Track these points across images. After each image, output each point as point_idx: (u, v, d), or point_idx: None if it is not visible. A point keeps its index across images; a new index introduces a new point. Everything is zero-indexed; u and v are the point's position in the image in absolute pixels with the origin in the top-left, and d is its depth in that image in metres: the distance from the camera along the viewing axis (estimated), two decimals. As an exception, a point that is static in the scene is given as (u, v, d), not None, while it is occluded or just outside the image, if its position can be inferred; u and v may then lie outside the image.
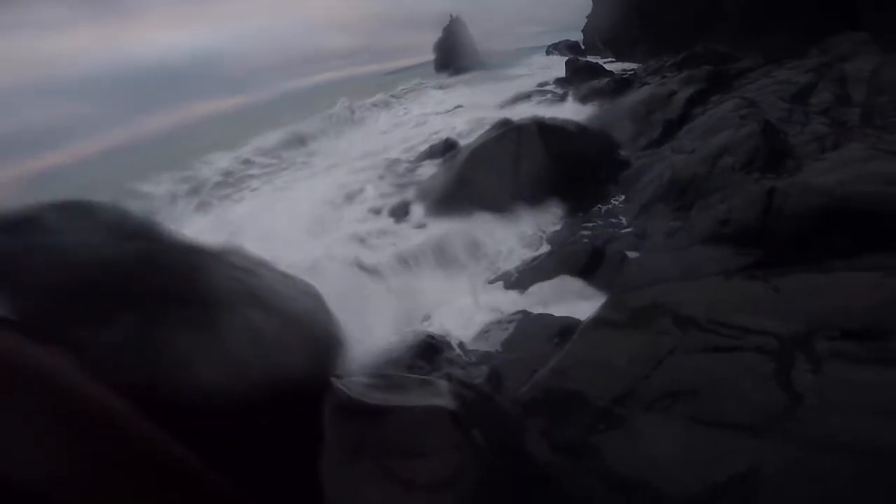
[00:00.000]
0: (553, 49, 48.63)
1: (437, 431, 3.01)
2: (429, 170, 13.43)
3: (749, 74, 13.62)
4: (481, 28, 52.06)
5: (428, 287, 7.37)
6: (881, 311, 3.51)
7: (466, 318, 6.56)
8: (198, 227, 12.26)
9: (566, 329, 5.22)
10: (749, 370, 3.33)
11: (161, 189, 16.72)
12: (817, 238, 5.18)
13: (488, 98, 24.89)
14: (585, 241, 7.90)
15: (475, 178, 10.13)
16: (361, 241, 9.65)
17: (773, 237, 5.58)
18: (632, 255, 7.00)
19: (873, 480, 2.51)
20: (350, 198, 12.84)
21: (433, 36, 52.65)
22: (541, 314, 6.05)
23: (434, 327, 6.38)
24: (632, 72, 22.24)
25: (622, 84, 18.04)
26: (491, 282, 7.58)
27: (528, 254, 8.19)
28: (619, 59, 31.75)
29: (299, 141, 23.23)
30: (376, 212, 11.41)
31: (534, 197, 9.30)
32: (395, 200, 11.58)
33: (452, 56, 48.77)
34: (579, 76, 23.74)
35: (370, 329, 5.54)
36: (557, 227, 8.88)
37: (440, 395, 3.30)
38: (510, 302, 6.74)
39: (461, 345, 5.82)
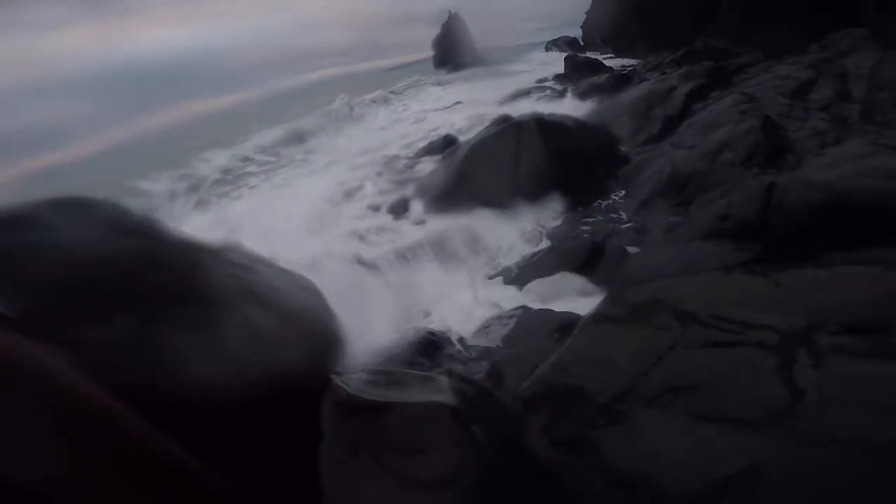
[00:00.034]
0: (552, 45, 48.55)
1: (438, 427, 3.00)
2: (428, 166, 13.38)
3: (749, 70, 13.59)
4: (480, 24, 51.88)
5: (427, 283, 7.36)
6: (881, 306, 3.51)
7: (466, 313, 6.55)
8: (197, 225, 12.22)
9: (567, 324, 5.21)
10: (750, 365, 3.33)
11: (160, 187, 16.63)
12: (817, 233, 5.16)
13: (487, 94, 24.81)
14: (585, 236, 7.89)
15: (475, 174, 10.10)
16: (360, 237, 9.62)
17: (773, 232, 5.56)
18: (632, 250, 6.99)
19: (874, 476, 2.51)
20: (349, 195, 12.80)
21: (432, 32, 52.57)
22: (541, 309, 6.04)
23: (434, 323, 6.38)
24: (631, 68, 22.20)
25: (621, 80, 17.99)
26: (491, 277, 7.57)
27: (528, 249, 8.17)
28: (618, 55, 31.72)
29: (298, 138, 23.14)
30: (375, 208, 11.37)
31: (533, 193, 9.29)
32: (394, 197, 11.54)
33: (451, 53, 48.62)
34: (578, 72, 23.70)
35: (370, 325, 5.53)
36: (557, 223, 8.86)
37: (440, 392, 3.29)
38: (510, 297, 6.73)
39: (461, 340, 5.82)
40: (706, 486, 2.72)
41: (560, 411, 3.51)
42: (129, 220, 3.54)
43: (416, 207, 10.46)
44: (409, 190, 11.62)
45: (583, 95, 17.63)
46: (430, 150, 15.00)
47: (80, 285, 2.82)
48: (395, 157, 15.84)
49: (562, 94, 19.98)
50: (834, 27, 14.40)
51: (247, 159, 20.38)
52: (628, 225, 8.02)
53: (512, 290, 6.95)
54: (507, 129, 10.51)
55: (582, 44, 43.74)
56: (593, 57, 28.59)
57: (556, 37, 50.63)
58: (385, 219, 10.62)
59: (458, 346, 5.68)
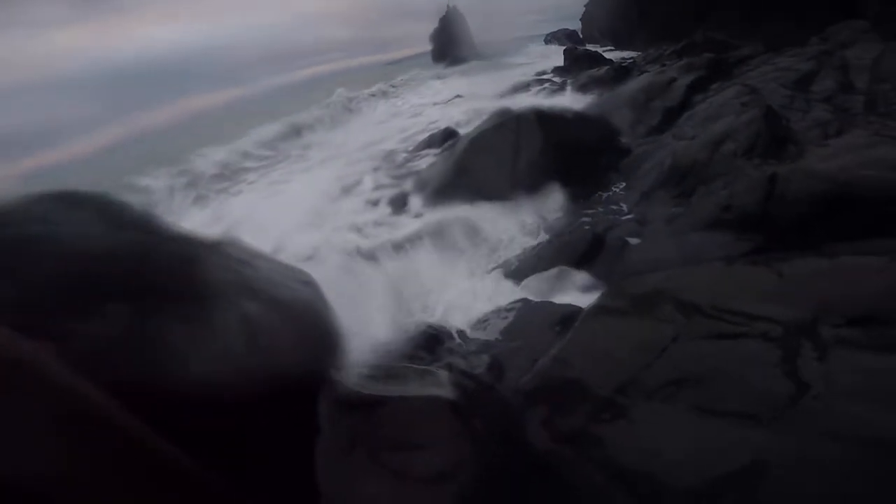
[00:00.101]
0: (551, 38, 48.44)
1: (437, 422, 2.98)
2: (427, 160, 13.33)
3: (750, 62, 13.55)
4: (478, 18, 51.82)
5: (427, 276, 7.31)
6: (886, 297, 3.47)
7: (466, 306, 6.51)
8: (196, 221, 12.20)
9: (567, 317, 5.17)
10: (754, 358, 3.29)
11: (159, 183, 16.62)
12: (819, 224, 5.13)
13: (486, 88, 24.70)
14: (586, 228, 7.83)
15: (474, 167, 10.04)
16: (359, 231, 9.59)
17: (774, 223, 5.53)
18: (633, 241, 6.95)
19: (881, 472, 2.47)
20: (347, 189, 12.75)
21: (430, 26, 52.37)
22: (541, 302, 6.00)
23: (434, 316, 6.34)
24: (631, 60, 22.13)
25: (621, 72, 17.91)
26: (491, 270, 7.54)
27: (529, 242, 8.13)
28: (617, 47, 31.64)
29: (296, 133, 23.10)
30: (374, 203, 11.31)
31: (533, 185, 9.23)
32: (392, 191, 11.47)
33: (450, 46, 48.48)
34: (578, 65, 23.63)
35: (369, 319, 5.49)
36: (558, 215, 8.80)
37: (440, 386, 3.27)
38: (510, 290, 6.69)
39: (461, 333, 5.78)
40: (708, 480, 2.68)
41: (561, 405, 3.48)
42: (125, 215, 3.49)
43: (415, 201, 10.39)
44: (407, 184, 11.55)
45: (582, 88, 17.54)
46: (429, 143, 14.96)
47: (75, 279, 2.78)
48: (394, 152, 15.79)
49: (561, 87, 19.90)
50: (833, 20, 14.36)
51: (245, 155, 20.33)
52: (629, 216, 7.97)
53: (512, 283, 6.91)
54: (506, 122, 10.44)
55: (581, 36, 43.61)
56: (593, 49, 28.46)
57: (555, 29, 50.57)
58: (384, 213, 10.57)
59: (458, 340, 5.64)
